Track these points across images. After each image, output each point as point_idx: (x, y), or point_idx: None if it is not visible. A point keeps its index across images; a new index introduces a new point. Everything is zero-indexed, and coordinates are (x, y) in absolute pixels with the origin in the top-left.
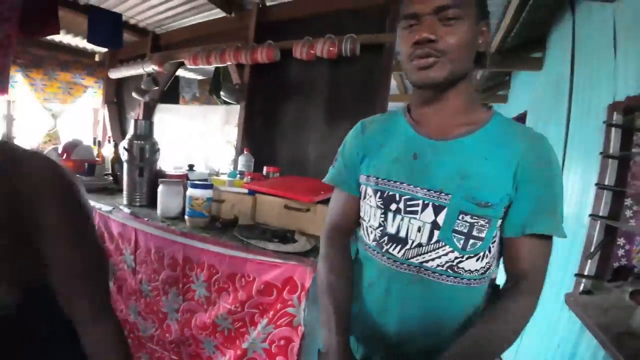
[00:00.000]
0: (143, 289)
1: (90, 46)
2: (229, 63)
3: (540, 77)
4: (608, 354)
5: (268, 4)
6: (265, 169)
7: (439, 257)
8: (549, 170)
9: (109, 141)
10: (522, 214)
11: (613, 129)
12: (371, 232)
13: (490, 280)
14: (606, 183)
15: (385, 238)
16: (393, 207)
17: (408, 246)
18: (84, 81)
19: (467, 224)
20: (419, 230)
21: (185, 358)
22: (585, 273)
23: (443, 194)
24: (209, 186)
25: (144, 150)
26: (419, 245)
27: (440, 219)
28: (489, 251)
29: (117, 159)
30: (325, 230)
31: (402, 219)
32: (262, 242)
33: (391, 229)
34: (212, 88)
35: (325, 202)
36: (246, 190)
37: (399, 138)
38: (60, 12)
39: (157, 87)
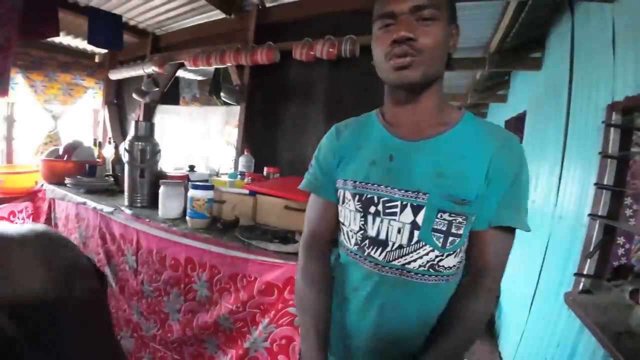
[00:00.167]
0: (144, 289)
1: (90, 47)
2: (229, 64)
3: (539, 77)
4: (607, 353)
5: (268, 5)
6: (265, 169)
7: (420, 257)
8: (518, 169)
9: (110, 142)
10: (490, 208)
11: (612, 129)
12: (352, 237)
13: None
14: (605, 183)
15: (367, 241)
16: (372, 209)
17: (389, 248)
18: (84, 82)
19: (446, 222)
20: (399, 231)
21: (188, 358)
22: (585, 272)
23: (421, 194)
24: (210, 187)
25: (145, 152)
26: (400, 247)
27: (420, 219)
28: (463, 246)
29: (117, 160)
30: (303, 239)
31: (381, 221)
32: (263, 243)
33: (371, 232)
34: (212, 89)
35: None
36: (247, 191)
37: (374, 141)
38: (61, 14)
39: (157, 88)
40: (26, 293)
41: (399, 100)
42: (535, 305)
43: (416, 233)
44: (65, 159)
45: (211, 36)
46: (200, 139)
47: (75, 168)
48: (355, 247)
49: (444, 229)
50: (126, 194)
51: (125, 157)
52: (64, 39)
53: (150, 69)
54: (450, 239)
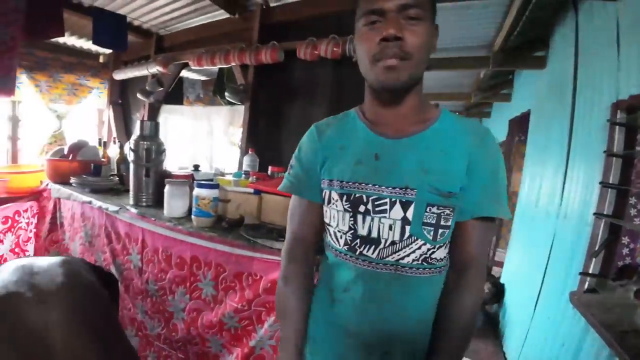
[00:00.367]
0: (149, 288)
1: (94, 48)
2: (233, 64)
3: (543, 76)
4: (612, 352)
5: (272, 5)
6: (270, 168)
7: (413, 251)
8: (495, 162)
9: (114, 142)
10: (472, 200)
11: (617, 128)
12: (341, 237)
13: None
14: (610, 181)
15: (358, 241)
16: (362, 209)
17: (382, 245)
18: (89, 83)
19: (435, 215)
20: (390, 228)
21: (192, 357)
22: (590, 271)
23: (409, 190)
24: (215, 186)
25: (150, 151)
26: (393, 243)
27: (410, 214)
28: (450, 237)
29: (122, 160)
30: (285, 243)
31: (372, 220)
32: (269, 241)
33: (362, 231)
34: (216, 89)
35: None
36: (252, 190)
37: (358, 140)
38: (65, 14)
39: (161, 88)
40: None
41: (382, 100)
42: (540, 304)
43: (407, 228)
44: (70, 158)
45: (215, 36)
46: (204, 139)
47: (80, 167)
48: (346, 248)
49: (434, 222)
50: (131, 193)
51: (130, 157)
52: (68, 39)
53: (155, 69)
54: (440, 231)
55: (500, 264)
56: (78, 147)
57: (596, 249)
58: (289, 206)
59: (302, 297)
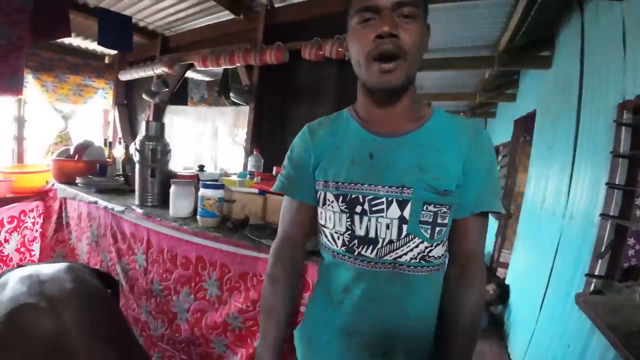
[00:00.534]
0: (154, 288)
1: (99, 49)
2: (238, 65)
3: (549, 76)
4: (618, 354)
5: (276, 5)
6: (274, 169)
7: (411, 250)
8: (489, 159)
9: (120, 142)
10: (471, 196)
11: (623, 128)
12: (338, 238)
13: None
14: (617, 182)
15: (356, 241)
16: (358, 209)
17: (380, 245)
18: (94, 83)
19: (432, 213)
20: (387, 227)
21: (195, 357)
22: (596, 273)
23: (405, 188)
24: (221, 186)
25: (156, 151)
26: (390, 242)
27: (407, 213)
28: (449, 234)
29: (127, 160)
30: (274, 242)
31: (369, 220)
32: (273, 242)
33: (360, 231)
34: (221, 89)
35: None
36: (256, 190)
37: (352, 140)
38: (70, 15)
39: (167, 89)
40: None
41: (377, 100)
42: (545, 306)
43: (405, 227)
44: (76, 158)
45: (220, 37)
46: (209, 140)
47: (86, 168)
48: (343, 249)
49: (431, 220)
50: (137, 193)
51: (136, 157)
52: (73, 40)
53: (160, 69)
54: (437, 229)
55: (505, 265)
56: (84, 148)
57: (602, 250)
58: (282, 206)
59: (287, 296)
